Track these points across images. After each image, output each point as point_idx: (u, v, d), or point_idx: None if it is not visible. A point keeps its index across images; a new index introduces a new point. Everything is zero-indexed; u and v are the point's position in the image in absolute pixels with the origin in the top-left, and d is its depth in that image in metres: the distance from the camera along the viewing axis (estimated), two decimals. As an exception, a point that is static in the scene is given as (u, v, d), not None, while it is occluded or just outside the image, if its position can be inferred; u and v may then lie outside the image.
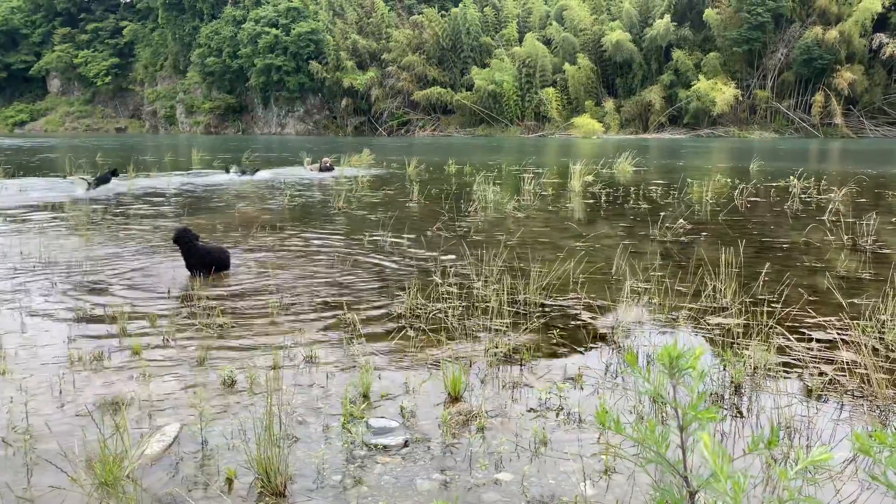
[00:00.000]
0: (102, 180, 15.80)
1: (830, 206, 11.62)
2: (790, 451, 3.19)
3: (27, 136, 75.13)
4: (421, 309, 5.40)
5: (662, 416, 3.53)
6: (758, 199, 13.54)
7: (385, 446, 3.20)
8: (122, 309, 5.30)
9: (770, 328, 4.66)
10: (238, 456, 3.07)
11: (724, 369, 4.06)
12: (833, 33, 59.30)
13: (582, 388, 3.92)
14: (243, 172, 19.38)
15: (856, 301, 5.57)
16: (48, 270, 6.85)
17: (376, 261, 7.47)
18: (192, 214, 11.36)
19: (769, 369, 4.05)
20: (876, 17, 59.51)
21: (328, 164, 20.65)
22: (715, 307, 5.45)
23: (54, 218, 10.89)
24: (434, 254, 7.73)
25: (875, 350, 4.26)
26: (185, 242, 6.67)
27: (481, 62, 73.60)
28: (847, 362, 4.14)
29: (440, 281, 6.16)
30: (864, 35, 60.17)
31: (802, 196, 13.64)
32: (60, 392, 3.79)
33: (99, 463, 2.84)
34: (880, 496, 2.80)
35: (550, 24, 72.10)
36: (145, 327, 5.00)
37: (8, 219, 10.69)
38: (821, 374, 4.07)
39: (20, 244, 8.29)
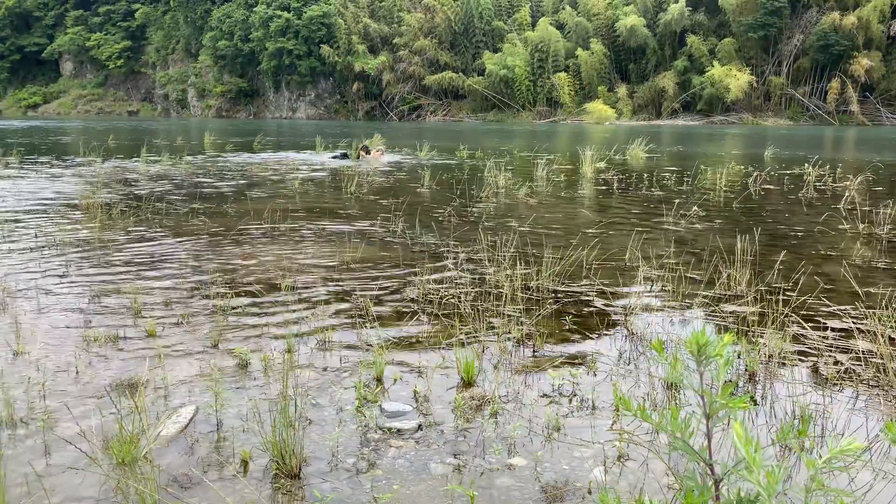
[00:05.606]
0: (342, 157, 19.74)
1: (846, 195, 11.50)
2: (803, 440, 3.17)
3: (41, 118, 75.45)
4: (433, 294, 5.40)
5: (676, 404, 3.52)
6: (772, 186, 13.41)
7: (399, 430, 3.21)
8: (137, 290, 5.33)
9: (785, 316, 4.63)
10: (253, 438, 3.10)
11: (739, 357, 4.04)
12: (851, 19, 58.34)
13: (595, 375, 3.91)
14: (345, 156, 19.73)
15: (872, 290, 5.52)
16: (64, 251, 6.90)
17: (388, 245, 7.47)
18: (201, 199, 11.40)
19: (784, 357, 4.03)
20: (895, 3, 58.51)
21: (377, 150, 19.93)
22: (729, 295, 5.42)
23: (67, 205, 10.96)
24: (446, 239, 7.72)
25: (892, 340, 4.23)
26: None
27: (493, 47, 73.12)
28: (863, 351, 4.11)
29: (452, 266, 6.16)
30: (883, 21, 59.18)
31: (817, 184, 13.51)
32: (77, 373, 3.82)
33: (116, 443, 2.87)
34: (894, 486, 2.78)
35: (564, 9, 71.43)
36: (160, 309, 5.03)
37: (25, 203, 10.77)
38: (836, 363, 4.04)
39: (35, 227, 8.34)
